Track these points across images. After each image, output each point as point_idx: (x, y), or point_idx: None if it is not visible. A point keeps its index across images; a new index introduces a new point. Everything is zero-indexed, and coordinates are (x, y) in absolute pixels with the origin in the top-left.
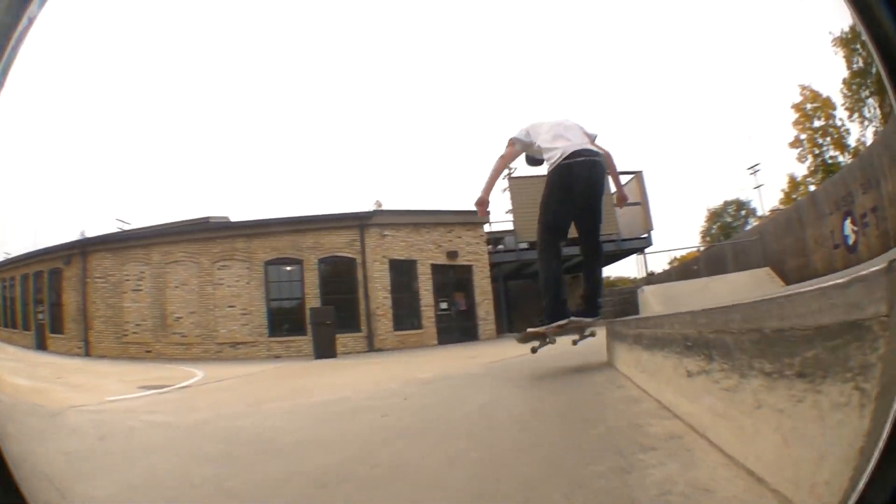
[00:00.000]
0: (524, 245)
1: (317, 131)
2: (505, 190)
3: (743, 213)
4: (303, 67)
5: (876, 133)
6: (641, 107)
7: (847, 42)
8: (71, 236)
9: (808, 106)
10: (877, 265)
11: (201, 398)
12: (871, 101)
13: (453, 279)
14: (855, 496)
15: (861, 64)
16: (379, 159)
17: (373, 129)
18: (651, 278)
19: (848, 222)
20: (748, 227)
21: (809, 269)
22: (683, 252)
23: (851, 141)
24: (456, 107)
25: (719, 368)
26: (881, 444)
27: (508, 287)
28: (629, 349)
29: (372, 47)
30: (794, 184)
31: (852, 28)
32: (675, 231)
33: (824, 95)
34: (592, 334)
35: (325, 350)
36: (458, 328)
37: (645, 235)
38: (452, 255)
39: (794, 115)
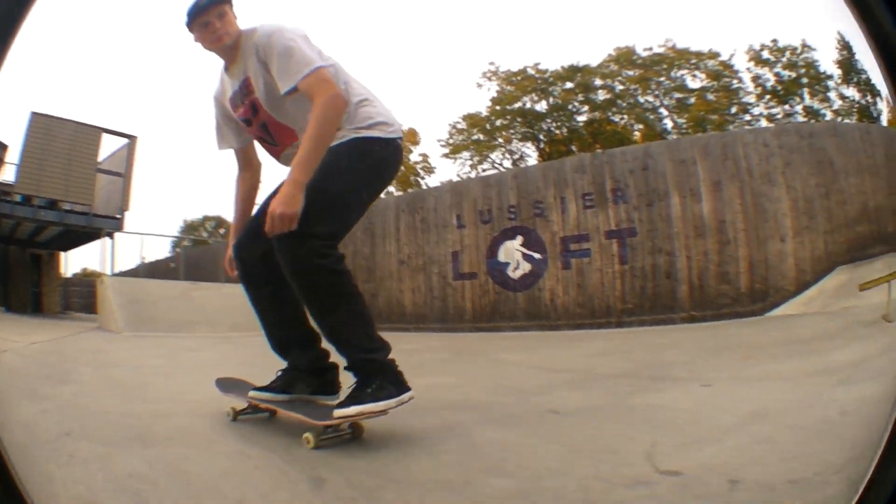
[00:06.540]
0: (18, 198)
1: None
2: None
3: (223, 231)
4: None
5: None
6: None
7: None
8: None
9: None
10: None
11: None
12: None
13: None
14: (855, 497)
15: None
16: None
17: None
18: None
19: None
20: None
21: None
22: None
23: None
24: None
25: None
26: (881, 445)
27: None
28: None
29: None
30: None
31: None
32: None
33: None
34: None
35: None
36: None
37: (118, 216)
38: None
39: None
